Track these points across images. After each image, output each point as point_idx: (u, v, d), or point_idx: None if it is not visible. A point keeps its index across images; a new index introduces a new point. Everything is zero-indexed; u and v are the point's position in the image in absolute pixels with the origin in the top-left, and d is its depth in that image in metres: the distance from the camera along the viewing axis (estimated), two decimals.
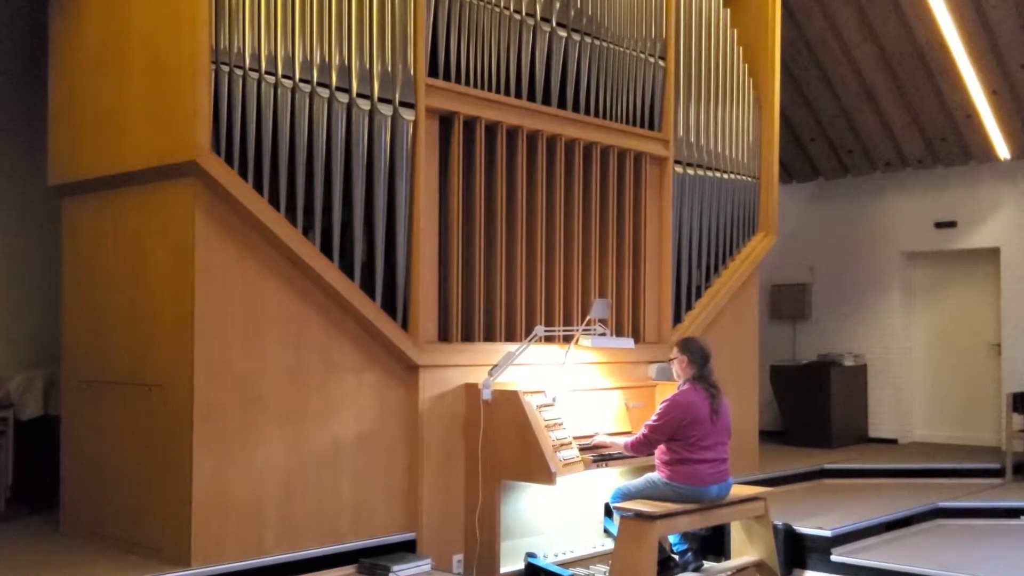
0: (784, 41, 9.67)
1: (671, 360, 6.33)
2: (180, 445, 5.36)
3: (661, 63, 8.02)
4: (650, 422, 6.11)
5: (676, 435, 6.01)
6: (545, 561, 6.37)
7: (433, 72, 6.38)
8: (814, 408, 10.93)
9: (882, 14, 9.89)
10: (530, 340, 6.50)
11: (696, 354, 6.19)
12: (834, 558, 6.93)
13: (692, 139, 8.37)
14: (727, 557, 6.84)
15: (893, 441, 11.38)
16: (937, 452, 10.52)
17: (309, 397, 5.81)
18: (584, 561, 6.74)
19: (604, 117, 7.51)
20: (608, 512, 6.67)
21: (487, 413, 6.36)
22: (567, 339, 6.95)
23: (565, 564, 6.51)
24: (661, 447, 6.10)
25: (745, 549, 6.62)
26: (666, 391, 6.58)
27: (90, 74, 6.01)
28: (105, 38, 5.92)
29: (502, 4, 6.75)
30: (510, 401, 6.27)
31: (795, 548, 7.07)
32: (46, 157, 6.37)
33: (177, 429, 5.39)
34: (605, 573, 6.46)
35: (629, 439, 6.25)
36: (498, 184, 6.74)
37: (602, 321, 6.92)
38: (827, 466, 9.46)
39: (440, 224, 6.53)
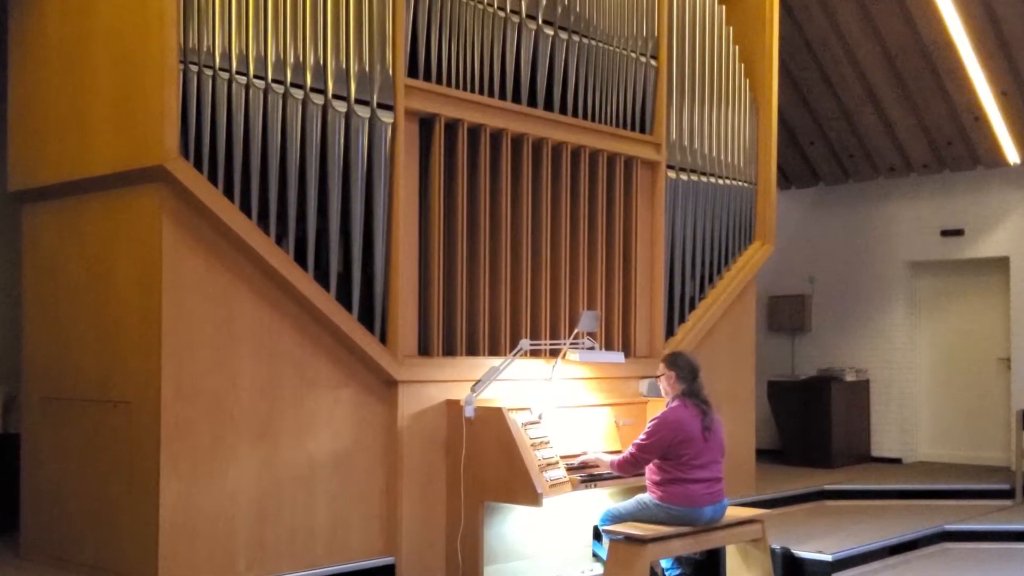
0: (782, 39, 9.78)
1: (658, 377, 6.38)
2: (147, 465, 5.42)
3: (653, 62, 8.13)
4: (638, 440, 6.15)
5: (667, 454, 6.06)
6: None
7: (413, 72, 6.46)
8: (814, 426, 11.02)
9: (885, 11, 10.00)
10: (515, 354, 6.57)
11: (684, 369, 6.22)
12: None
13: (685, 143, 8.47)
14: None
15: (897, 461, 11.48)
16: (943, 472, 10.62)
17: (283, 414, 5.87)
18: None
19: (593, 119, 7.60)
20: (597, 535, 6.72)
21: (470, 431, 6.42)
22: (554, 353, 7.02)
23: None
24: (652, 467, 6.15)
25: (741, 574, 6.70)
26: (658, 408, 6.64)
27: (52, 75, 6.07)
28: (68, 37, 5.99)
29: (485, 1, 6.83)
30: (494, 418, 6.33)
31: (794, 573, 7.15)
32: (6, 162, 6.43)
33: (144, 448, 5.45)
34: None
35: (617, 458, 6.31)
36: (481, 190, 6.82)
37: (591, 334, 6.99)
38: (827, 487, 9.57)
39: (420, 232, 6.60)
